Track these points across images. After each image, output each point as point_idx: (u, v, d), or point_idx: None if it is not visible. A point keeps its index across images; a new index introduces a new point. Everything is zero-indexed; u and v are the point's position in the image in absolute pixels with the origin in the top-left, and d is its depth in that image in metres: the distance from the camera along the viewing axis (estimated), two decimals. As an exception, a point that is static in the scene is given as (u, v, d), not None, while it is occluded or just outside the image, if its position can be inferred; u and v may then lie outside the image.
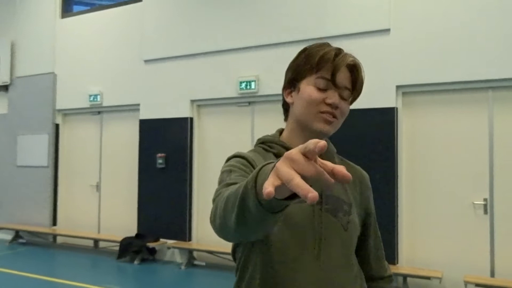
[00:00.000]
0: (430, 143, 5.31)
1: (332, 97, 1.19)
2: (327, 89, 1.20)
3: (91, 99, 7.70)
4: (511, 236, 4.86)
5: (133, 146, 7.31)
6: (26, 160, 8.37)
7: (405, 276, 5.01)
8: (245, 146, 6.44)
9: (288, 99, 1.27)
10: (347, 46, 4.47)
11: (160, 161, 6.82)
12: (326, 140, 1.25)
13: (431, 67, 5.20)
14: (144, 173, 7.02)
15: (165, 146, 6.84)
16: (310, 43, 5.09)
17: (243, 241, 1.04)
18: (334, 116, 1.21)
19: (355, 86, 1.23)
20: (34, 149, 8.27)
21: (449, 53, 5.12)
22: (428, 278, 4.84)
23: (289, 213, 1.15)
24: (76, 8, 8.47)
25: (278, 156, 1.23)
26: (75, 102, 7.93)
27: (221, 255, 6.27)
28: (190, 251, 6.49)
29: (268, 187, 0.64)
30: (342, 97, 1.22)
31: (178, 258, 6.74)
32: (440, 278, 4.81)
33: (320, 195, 1.18)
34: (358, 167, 1.39)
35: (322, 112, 1.20)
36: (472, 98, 5.15)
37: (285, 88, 1.29)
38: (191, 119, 6.77)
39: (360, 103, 5.39)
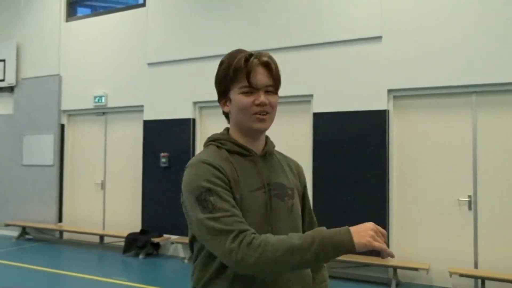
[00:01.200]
0: (419, 144, 5.67)
1: (258, 97, 1.33)
2: (253, 92, 1.33)
3: (96, 100, 8.01)
4: (494, 230, 5.24)
5: (137, 146, 7.63)
6: (31, 159, 8.65)
7: (395, 268, 5.38)
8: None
9: (225, 109, 1.42)
10: (342, 52, 4.96)
11: (163, 160, 7.14)
12: (267, 137, 1.49)
13: (420, 73, 5.56)
14: (148, 171, 7.35)
15: (168, 146, 7.16)
16: (307, 48, 5.66)
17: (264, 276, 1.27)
18: (266, 113, 1.35)
19: (275, 78, 1.37)
20: (40, 149, 8.56)
21: (437, 59, 5.49)
22: (416, 269, 5.21)
23: (248, 202, 1.31)
24: (80, 11, 8.77)
25: (230, 151, 1.38)
26: (80, 103, 8.23)
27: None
28: (193, 246, 6.80)
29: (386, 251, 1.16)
30: (268, 92, 1.36)
31: (181, 252, 7.08)
32: (427, 270, 5.19)
33: (268, 184, 1.37)
34: (294, 160, 1.61)
35: (255, 113, 1.34)
36: (458, 102, 5.52)
37: (219, 100, 1.43)
38: (194, 120, 7.10)
39: (354, 106, 5.83)
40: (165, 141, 7.20)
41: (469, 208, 5.37)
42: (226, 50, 6.85)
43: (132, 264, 6.63)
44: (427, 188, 5.59)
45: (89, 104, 8.13)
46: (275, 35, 6.44)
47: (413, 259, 5.53)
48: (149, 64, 7.48)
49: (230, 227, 1.18)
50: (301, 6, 6.29)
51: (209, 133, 6.91)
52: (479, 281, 5.05)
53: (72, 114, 8.56)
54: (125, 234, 7.16)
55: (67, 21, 8.57)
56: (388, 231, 5.61)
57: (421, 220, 5.60)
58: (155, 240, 6.99)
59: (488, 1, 5.25)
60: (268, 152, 1.46)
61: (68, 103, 8.41)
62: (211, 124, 7.13)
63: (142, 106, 7.57)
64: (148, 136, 7.41)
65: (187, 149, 7.03)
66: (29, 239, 8.42)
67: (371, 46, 5.83)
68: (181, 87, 7.18)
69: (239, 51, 1.38)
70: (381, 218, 5.57)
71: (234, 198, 1.28)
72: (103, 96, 7.93)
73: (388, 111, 5.73)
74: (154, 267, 6.47)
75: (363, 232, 1.14)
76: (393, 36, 5.72)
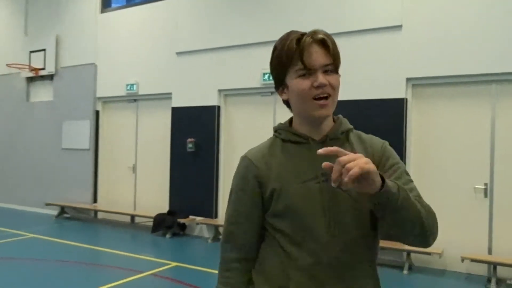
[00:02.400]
0: (437, 132, 5.75)
1: (317, 78, 1.20)
2: (310, 74, 1.21)
3: (128, 88, 8.45)
4: (509, 217, 5.29)
5: (166, 131, 8.02)
6: (70, 143, 9.24)
7: (408, 252, 5.52)
8: (268, 132, 6.99)
9: (283, 97, 1.32)
10: (362, 41, 5.17)
11: (190, 145, 7.50)
12: (337, 119, 1.36)
13: (439, 61, 5.61)
14: (175, 156, 7.73)
15: (194, 132, 7.51)
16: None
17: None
18: (327, 96, 1.22)
19: (333, 56, 1.24)
20: (77, 134, 9.13)
21: (456, 48, 5.52)
22: (429, 254, 5.34)
23: (295, 195, 1.24)
24: (115, 1, 9.19)
25: (284, 141, 1.32)
26: (114, 91, 8.70)
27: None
28: (216, 227, 7.17)
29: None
30: (327, 72, 1.23)
31: (206, 233, 7.45)
32: (439, 254, 5.31)
33: (324, 173, 1.21)
34: (370, 138, 1.38)
35: (315, 99, 1.22)
36: (477, 90, 5.55)
37: (276, 88, 1.33)
38: (219, 107, 7.40)
39: (372, 94, 5.97)
40: (192, 127, 7.55)
41: (485, 195, 5.43)
42: (249, 40, 7.24)
43: (160, 243, 7.06)
44: (444, 176, 5.67)
45: (121, 91, 8.58)
46: (297, 25, 6.60)
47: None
48: (177, 53, 7.82)
49: (227, 238, 1.38)
50: (322, -4, 6.44)
51: (233, 120, 7.42)
52: (491, 266, 5.13)
53: (106, 101, 9.05)
54: (153, 214, 7.60)
55: (102, 12, 9.03)
56: (403, 216, 5.75)
57: (438, 207, 5.64)
58: (182, 221, 7.38)
59: (510, -11, 5.23)
60: (330, 137, 1.30)
61: (102, 91, 8.90)
62: (235, 111, 7.41)
63: (170, 93, 7.94)
64: (176, 122, 7.78)
65: (212, 134, 7.35)
66: (67, 218, 9.04)
67: (391, 35, 5.92)
68: (207, 75, 7.48)
69: (290, 33, 1.27)
70: (397, 203, 5.71)
71: (270, 192, 1.26)
72: (135, 84, 8.36)
73: (407, 99, 5.82)
74: (180, 246, 6.87)
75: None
76: (413, 25, 5.79)
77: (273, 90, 6.85)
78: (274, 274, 1.28)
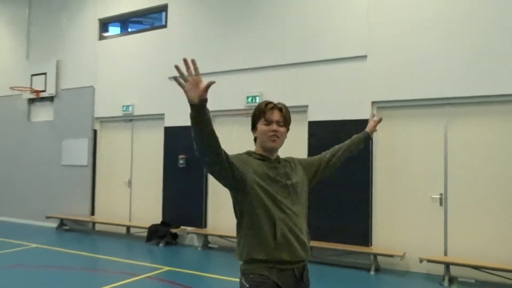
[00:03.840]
0: (399, 149, 6.53)
1: (272, 126, 2.17)
2: (269, 124, 2.18)
3: (124, 109, 9.18)
4: (461, 223, 6.05)
5: (159, 149, 8.73)
6: (69, 160, 9.91)
7: (374, 255, 6.25)
8: (249, 148, 7.75)
9: (255, 134, 2.26)
10: (333, 69, 6.18)
11: (181, 161, 8.21)
12: (277, 156, 2.28)
13: (400, 87, 6.42)
14: (168, 171, 8.44)
15: (185, 149, 8.22)
16: (303, 66, 7.10)
17: (211, 161, 1.95)
18: (277, 137, 2.17)
19: (284, 117, 2.21)
20: (76, 151, 9.81)
21: (414, 75, 6.34)
22: (391, 256, 6.07)
23: (269, 182, 2.12)
24: (112, 26, 9.97)
25: (256, 159, 2.18)
26: (111, 112, 9.43)
27: (231, 239, 7.62)
28: (206, 236, 7.85)
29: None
30: (279, 125, 2.18)
31: (196, 241, 8.12)
32: (401, 256, 6.04)
33: (284, 173, 2.20)
34: (290, 157, 2.38)
35: (270, 136, 2.17)
36: (432, 112, 6.36)
37: (252, 129, 2.27)
38: (207, 127, 8.13)
39: (343, 115, 6.77)
40: (183, 144, 8.26)
41: (441, 204, 6.19)
42: (235, 66, 8.05)
43: (153, 251, 7.71)
44: (405, 187, 6.44)
45: (118, 112, 9.30)
46: (275, 54, 7.43)
47: (393, 248, 6.38)
48: (170, 77, 8.58)
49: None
50: (297, 28, 7.26)
51: (220, 138, 8.00)
52: (445, 266, 5.86)
53: (104, 121, 9.76)
54: (148, 225, 8.26)
55: (100, 39, 9.80)
56: (371, 224, 6.50)
57: (400, 214, 6.45)
58: (174, 230, 8.05)
59: (460, 26, 6.07)
60: (278, 159, 2.27)
61: (100, 111, 9.62)
62: (222, 130, 8.15)
63: (163, 114, 8.68)
64: (168, 140, 8.51)
65: (202, 152, 8.07)
66: (66, 230, 9.66)
67: (357, 63, 6.74)
68: (197, 98, 8.22)
69: (263, 102, 2.25)
70: (365, 214, 6.46)
71: (257, 182, 2.10)
72: (131, 105, 9.09)
73: (372, 119, 6.60)
74: (172, 253, 7.53)
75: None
76: (377, 55, 6.61)
77: (256, 111, 7.62)
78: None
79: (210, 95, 7.15)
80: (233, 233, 7.50)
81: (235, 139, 7.99)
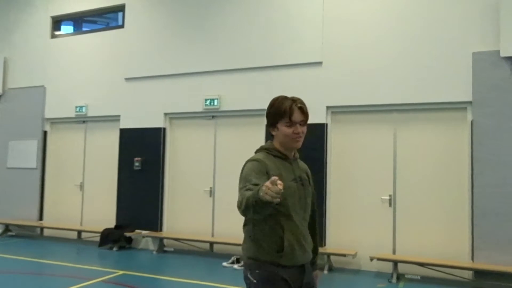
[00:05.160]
0: (351, 152, 6.82)
1: (296, 129, 2.11)
2: (292, 125, 2.11)
3: (77, 110, 8.94)
4: (409, 223, 6.41)
5: (114, 151, 8.57)
6: (16, 162, 9.48)
7: (328, 254, 6.47)
8: (209, 152, 7.82)
9: (273, 132, 2.20)
10: (289, 74, 6.33)
11: (137, 164, 8.11)
12: (295, 153, 2.25)
13: (354, 93, 6.72)
14: (123, 174, 8.30)
15: (141, 151, 8.14)
16: (261, 70, 7.13)
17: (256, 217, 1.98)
18: (300, 137, 2.14)
19: (306, 116, 2.15)
20: (24, 153, 9.40)
21: (366, 82, 6.66)
22: (344, 255, 6.32)
23: (288, 187, 2.06)
24: (65, 24, 9.69)
25: (275, 156, 2.15)
26: (63, 112, 9.14)
27: (186, 242, 7.60)
28: (161, 239, 7.78)
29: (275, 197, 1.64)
30: (301, 124, 2.12)
31: (151, 245, 8.02)
32: (353, 255, 6.30)
33: (298, 177, 2.19)
34: (304, 164, 2.36)
35: (293, 138, 2.13)
36: (382, 117, 6.71)
37: (269, 126, 2.19)
38: (164, 129, 8.11)
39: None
40: (139, 147, 8.17)
41: (390, 205, 6.52)
42: (194, 69, 8.07)
43: (107, 256, 7.53)
44: (357, 189, 6.73)
45: (70, 113, 9.04)
46: (234, 58, 7.54)
47: (345, 248, 6.63)
48: (126, 78, 8.47)
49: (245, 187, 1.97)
50: (255, 34, 7.43)
51: (177, 140, 8.30)
52: (393, 264, 6.17)
53: (55, 122, 9.44)
54: (101, 230, 8.06)
55: (52, 37, 9.50)
56: (325, 225, 6.72)
57: (352, 215, 6.72)
58: (128, 234, 7.92)
59: (408, 39, 6.46)
60: (297, 158, 2.28)
61: (51, 112, 9.30)
62: (180, 133, 8.15)
63: (119, 115, 8.53)
64: (124, 142, 8.37)
65: (158, 154, 8.03)
66: (11, 236, 9.21)
67: (313, 70, 6.99)
68: (154, 100, 8.19)
69: (285, 98, 2.16)
70: (319, 215, 6.67)
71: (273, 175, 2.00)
72: (84, 106, 8.87)
73: (327, 124, 6.87)
74: (127, 258, 7.39)
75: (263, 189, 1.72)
76: (331, 62, 6.89)
77: (214, 114, 7.73)
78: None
79: (167, 98, 7.19)
80: (190, 236, 7.56)
81: (194, 142, 8.01)
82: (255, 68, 7.38)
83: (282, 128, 2.13)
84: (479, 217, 5.85)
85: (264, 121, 7.55)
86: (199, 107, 7.81)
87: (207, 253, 7.57)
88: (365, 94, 6.67)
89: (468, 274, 5.98)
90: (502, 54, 5.83)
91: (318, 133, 6.81)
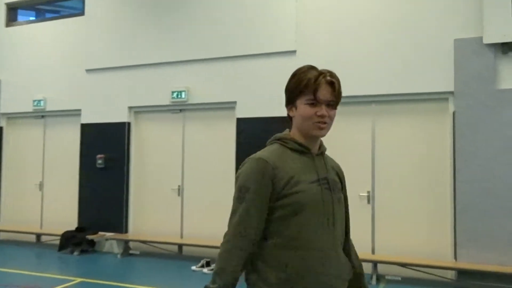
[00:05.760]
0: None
1: (320, 110, 1.53)
2: (316, 104, 1.54)
3: (35, 104, 8.28)
4: (388, 220, 6.05)
5: (75, 148, 7.97)
6: (-31, 161, 8.76)
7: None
8: (177, 148, 7.32)
9: (290, 113, 1.63)
10: (262, 64, 5.73)
11: (100, 161, 7.53)
12: (321, 141, 1.67)
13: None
14: (84, 172, 7.71)
15: (104, 148, 7.57)
16: (232, 60, 6.55)
17: None
18: (324, 123, 1.55)
19: (337, 96, 1.57)
20: (-22, 151, 8.69)
21: (343, 72, 6.25)
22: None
23: (306, 192, 1.52)
24: (22, 13, 8.99)
25: (293, 150, 1.59)
26: (20, 107, 8.47)
27: (154, 244, 7.09)
28: (126, 242, 7.25)
29: None
30: (329, 106, 1.56)
31: (116, 248, 7.48)
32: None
33: (323, 178, 1.59)
34: (336, 162, 1.82)
35: (316, 122, 1.55)
36: (360, 109, 6.32)
37: (287, 105, 1.64)
38: (129, 124, 7.55)
39: (271, 112, 6.34)
40: (102, 143, 7.60)
41: (368, 202, 6.16)
42: (159, 60, 7.49)
43: (67, 260, 6.95)
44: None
45: (28, 107, 8.38)
46: (203, 47, 7.04)
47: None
48: (87, 70, 7.87)
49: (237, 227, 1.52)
50: (226, 22, 6.94)
51: (143, 136, 7.65)
52: (373, 264, 5.82)
53: (11, 117, 8.76)
54: (61, 232, 7.47)
55: (7, 26, 8.79)
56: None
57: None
58: (90, 237, 7.35)
59: (386, 28, 6.08)
60: (323, 152, 1.69)
61: (7, 107, 8.61)
62: (145, 128, 7.61)
63: (80, 110, 7.93)
64: (85, 138, 7.78)
65: (122, 150, 7.47)
66: (-35, 240, 8.52)
67: (287, 59, 6.54)
68: (118, 92, 7.62)
69: (310, 68, 1.58)
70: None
71: (289, 193, 1.50)
72: (42, 100, 8.22)
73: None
74: (89, 263, 6.84)
75: None
76: (306, 51, 6.45)
77: (182, 107, 7.20)
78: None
79: (132, 90, 6.54)
80: (157, 237, 7.05)
81: (161, 137, 7.48)
82: (225, 58, 6.89)
83: (302, 107, 1.56)
84: (461, 214, 5.54)
85: (235, 114, 7.20)
86: (165, 100, 7.28)
87: (176, 256, 7.08)
88: (342, 85, 6.25)
89: (451, 274, 5.66)
90: (485, 41, 5.51)
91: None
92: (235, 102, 6.83)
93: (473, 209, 5.49)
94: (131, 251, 7.31)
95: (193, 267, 6.30)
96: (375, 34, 6.13)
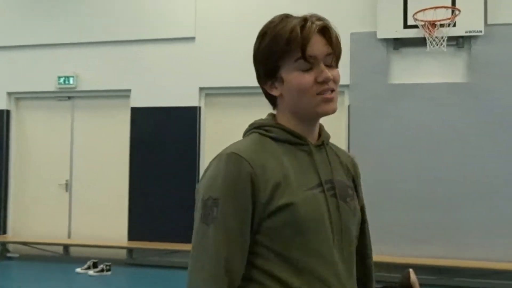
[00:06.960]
0: (228, 138, 6.17)
1: (321, 73, 1.02)
2: (312, 67, 1.03)
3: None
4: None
5: None
6: None
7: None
8: (65, 139, 6.66)
9: (274, 92, 1.09)
10: (158, 50, 5.23)
11: (-28, 156, 6.63)
12: (321, 126, 1.15)
13: (230, 73, 6.02)
14: None
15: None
16: (125, 44, 5.90)
17: None
18: (332, 90, 1.05)
19: (333, 46, 1.06)
20: None
21: (245, 61, 6.01)
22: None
23: (304, 205, 1.00)
24: None
25: (275, 139, 1.07)
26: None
27: (35, 246, 6.41)
28: (4, 244, 6.49)
29: None
30: (328, 66, 1.05)
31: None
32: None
33: (329, 180, 1.07)
34: (345, 151, 1.27)
35: (319, 93, 1.04)
36: (259, 100, 6.14)
37: (263, 82, 1.11)
38: (8, 111, 6.73)
39: (167, 102, 6.08)
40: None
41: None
42: (43, 41, 6.73)
43: None
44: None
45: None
46: (94, 30, 6.42)
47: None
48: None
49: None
50: (119, 3, 6.40)
51: (26, 125, 6.88)
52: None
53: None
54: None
55: None
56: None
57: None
58: None
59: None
60: (326, 141, 1.13)
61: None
62: (28, 116, 6.84)
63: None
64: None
65: (1, 142, 6.65)
66: None
67: (185, 46, 6.18)
68: (-5, 76, 6.74)
69: (285, 17, 1.07)
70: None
71: (277, 208, 0.98)
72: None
73: (200, 107, 6.14)
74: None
75: None
76: (206, 37, 6.13)
77: (70, 94, 6.55)
78: None
79: (12, 74, 5.68)
80: (41, 238, 6.36)
81: (47, 128, 6.77)
82: (119, 42, 6.35)
83: (293, 77, 1.04)
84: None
85: (129, 102, 6.71)
86: (51, 86, 6.56)
87: (62, 258, 6.44)
88: (244, 75, 5.98)
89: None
90: (379, 36, 5.59)
91: (190, 118, 6.07)
92: (129, 90, 6.34)
93: (367, 202, 5.54)
94: (9, 254, 6.55)
95: (78, 269, 5.73)
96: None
